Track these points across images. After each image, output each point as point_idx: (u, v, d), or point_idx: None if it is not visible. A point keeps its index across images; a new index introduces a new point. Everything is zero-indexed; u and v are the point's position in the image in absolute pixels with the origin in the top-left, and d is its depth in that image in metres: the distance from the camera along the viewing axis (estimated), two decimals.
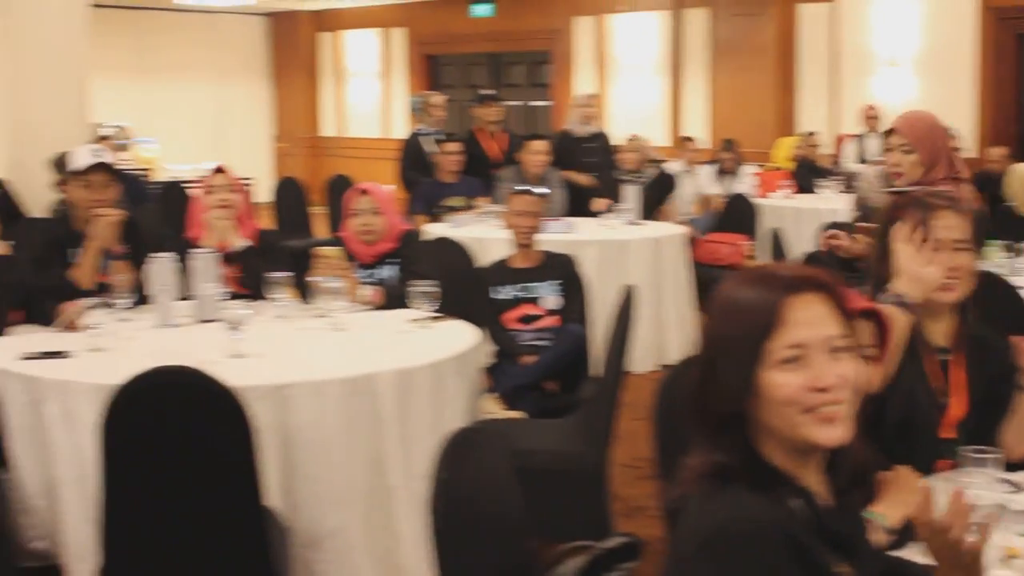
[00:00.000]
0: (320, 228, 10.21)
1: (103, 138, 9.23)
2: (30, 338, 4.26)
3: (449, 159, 8.49)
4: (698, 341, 1.93)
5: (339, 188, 9.65)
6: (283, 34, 17.07)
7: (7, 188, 8.05)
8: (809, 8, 12.29)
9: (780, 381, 1.80)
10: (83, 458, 3.59)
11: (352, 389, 3.64)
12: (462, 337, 4.26)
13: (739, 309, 1.85)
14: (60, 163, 7.51)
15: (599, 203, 8.60)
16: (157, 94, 15.89)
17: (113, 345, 4.05)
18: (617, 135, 10.13)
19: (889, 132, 4.43)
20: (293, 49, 17.01)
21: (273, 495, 3.37)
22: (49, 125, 8.20)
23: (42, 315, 4.47)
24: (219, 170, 5.14)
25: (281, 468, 3.52)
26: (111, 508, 3.16)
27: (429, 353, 3.95)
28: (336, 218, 9.44)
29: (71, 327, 4.29)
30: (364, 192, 5.00)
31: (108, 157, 5.08)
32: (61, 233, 4.92)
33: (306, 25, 16.83)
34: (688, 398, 1.90)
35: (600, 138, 9.44)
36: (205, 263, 4.62)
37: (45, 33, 8.35)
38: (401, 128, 9.92)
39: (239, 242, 4.96)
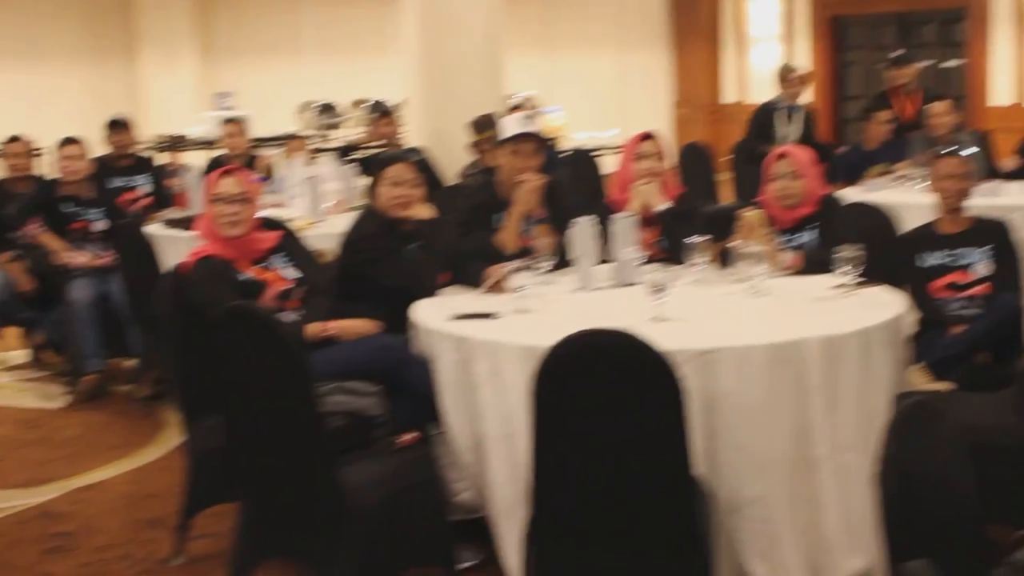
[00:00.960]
0: (726, 194, 10.10)
1: (515, 107, 9.49)
2: (459, 299, 4.42)
3: (880, 129, 8.54)
4: None
5: (744, 154, 9.54)
6: (684, 1, 17.02)
7: (426, 155, 8.41)
8: None
9: None
10: (510, 416, 3.70)
11: (778, 356, 3.55)
12: (889, 304, 4.09)
13: None
14: (480, 124, 7.81)
15: None
16: (561, 64, 16.22)
17: (538, 307, 4.14)
18: None
19: None
20: (694, 15, 16.90)
21: (696, 460, 3.33)
22: (466, 96, 8.54)
23: (468, 277, 4.62)
24: (648, 136, 5.11)
25: (704, 434, 3.48)
26: (540, 466, 3.20)
27: (856, 320, 3.80)
28: (741, 183, 9.36)
29: (497, 289, 4.43)
30: (783, 156, 4.90)
31: (535, 126, 5.18)
32: (486, 198, 5.06)
33: None
34: None
35: None
36: (625, 227, 4.65)
37: (465, 8, 8.71)
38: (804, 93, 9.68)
39: (660, 205, 4.96)
